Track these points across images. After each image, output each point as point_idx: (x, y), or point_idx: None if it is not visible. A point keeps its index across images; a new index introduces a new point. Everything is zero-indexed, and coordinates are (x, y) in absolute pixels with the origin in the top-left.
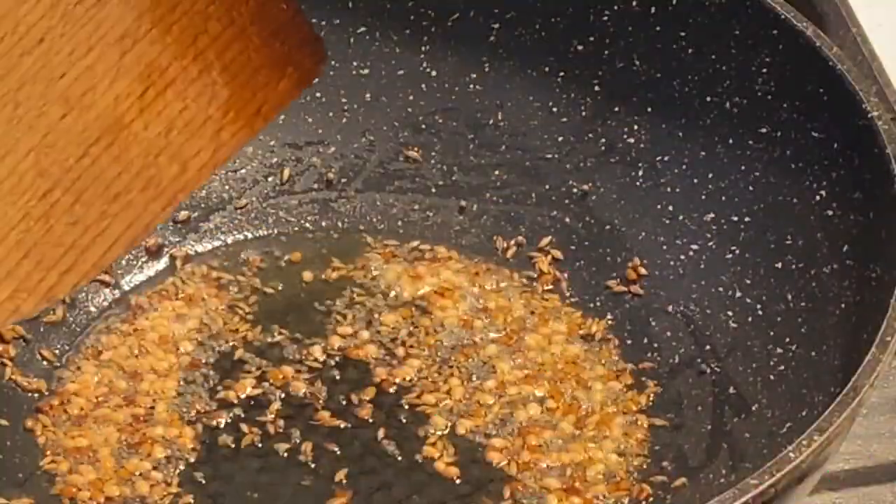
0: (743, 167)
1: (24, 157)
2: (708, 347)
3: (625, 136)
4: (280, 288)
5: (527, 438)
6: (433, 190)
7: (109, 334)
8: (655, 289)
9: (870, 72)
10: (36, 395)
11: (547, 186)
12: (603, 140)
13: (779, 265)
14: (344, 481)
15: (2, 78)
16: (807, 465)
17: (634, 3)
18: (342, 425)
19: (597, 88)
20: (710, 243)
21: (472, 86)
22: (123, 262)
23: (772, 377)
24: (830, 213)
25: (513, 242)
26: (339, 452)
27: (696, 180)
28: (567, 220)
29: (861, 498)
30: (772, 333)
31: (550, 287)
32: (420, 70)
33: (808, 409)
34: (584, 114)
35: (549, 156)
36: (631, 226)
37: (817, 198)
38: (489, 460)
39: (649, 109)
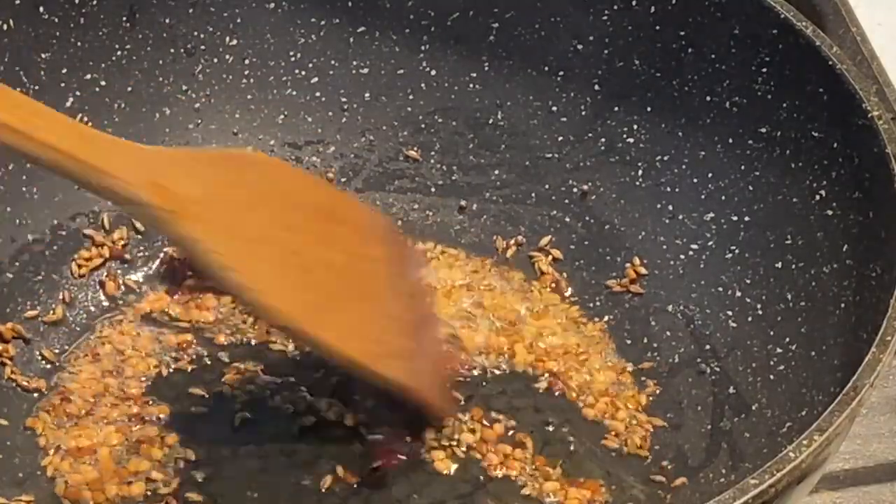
0: (743, 167)
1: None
2: (708, 347)
3: (625, 136)
4: None
5: (526, 439)
6: (433, 189)
7: (109, 334)
8: (655, 288)
9: (870, 71)
10: (36, 394)
11: (547, 186)
12: (603, 140)
13: (779, 265)
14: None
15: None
16: (807, 465)
17: (634, 3)
18: (342, 424)
19: (597, 88)
20: (710, 243)
21: (471, 85)
22: (124, 262)
23: (772, 377)
24: (830, 212)
25: (512, 242)
26: (338, 452)
27: (696, 180)
28: (567, 219)
29: (861, 497)
30: (772, 333)
31: (550, 286)
32: (420, 70)
33: (808, 408)
34: (584, 114)
35: (549, 155)
36: (631, 225)
37: (817, 198)
38: (489, 459)
39: (649, 109)
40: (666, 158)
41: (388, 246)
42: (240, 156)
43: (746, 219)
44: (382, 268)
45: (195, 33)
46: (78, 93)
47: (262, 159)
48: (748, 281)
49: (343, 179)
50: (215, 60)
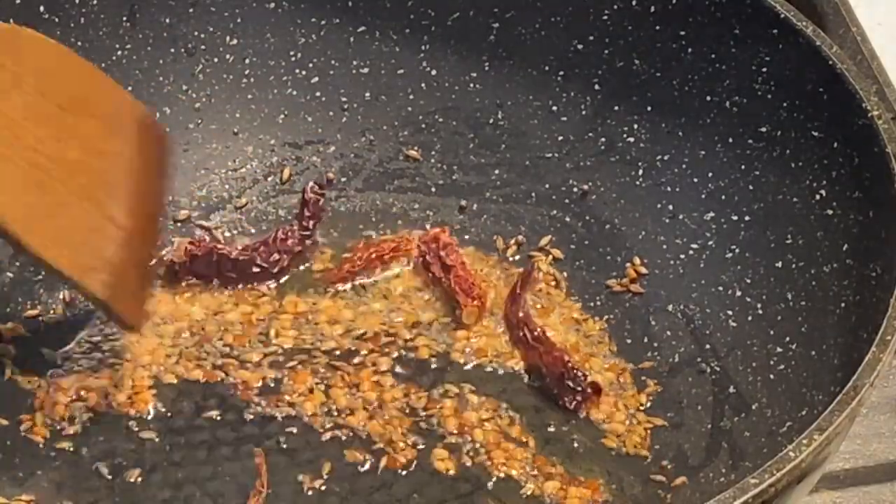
0: (743, 166)
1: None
2: (708, 346)
3: (625, 136)
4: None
5: (526, 439)
6: (433, 189)
7: (109, 332)
8: (655, 288)
9: (870, 71)
10: (35, 393)
11: (547, 185)
12: (603, 139)
13: (779, 265)
14: (344, 480)
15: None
16: (807, 465)
17: (634, 3)
18: (343, 425)
19: (597, 88)
20: (710, 242)
21: (472, 85)
22: None
23: (772, 376)
24: (830, 212)
25: (513, 241)
26: (338, 452)
27: (696, 180)
28: (567, 219)
29: (861, 497)
30: (772, 333)
31: (550, 286)
32: (420, 69)
33: (808, 408)
34: (584, 113)
35: (549, 155)
36: (631, 225)
37: (817, 197)
38: (490, 459)
39: (649, 109)
40: (666, 158)
41: (134, 141)
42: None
43: (746, 218)
44: (119, 165)
45: (195, 33)
46: None
47: (24, 35)
48: (748, 280)
49: (343, 179)
50: (215, 60)
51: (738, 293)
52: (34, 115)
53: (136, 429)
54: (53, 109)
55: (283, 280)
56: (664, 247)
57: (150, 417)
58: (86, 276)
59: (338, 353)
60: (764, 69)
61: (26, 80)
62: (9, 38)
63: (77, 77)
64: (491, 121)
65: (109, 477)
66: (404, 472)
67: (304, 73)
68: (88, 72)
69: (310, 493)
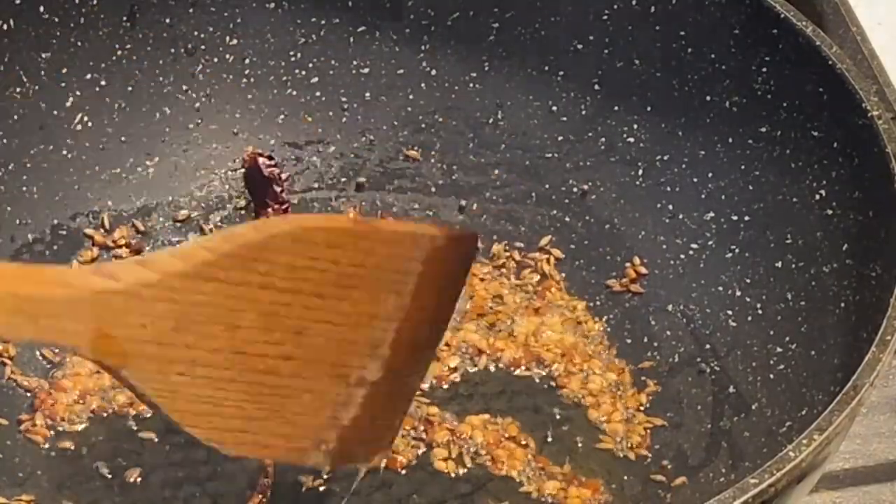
0: (743, 167)
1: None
2: (707, 346)
3: (625, 136)
4: None
5: (527, 439)
6: (433, 189)
7: None
8: (655, 288)
9: (869, 71)
10: (35, 393)
11: (547, 186)
12: (603, 139)
13: (779, 265)
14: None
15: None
16: (807, 465)
17: (634, 3)
18: None
19: (597, 88)
20: (710, 242)
21: (472, 85)
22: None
23: (771, 376)
24: (830, 212)
25: (513, 242)
26: None
27: (695, 180)
28: (567, 219)
29: (861, 497)
30: (771, 333)
31: (550, 286)
32: (420, 69)
33: (807, 408)
34: (584, 113)
35: (549, 155)
36: (630, 225)
37: (817, 197)
38: (490, 459)
39: (649, 109)
40: (666, 158)
41: (421, 276)
42: (238, 250)
43: (746, 218)
44: (391, 320)
45: (195, 33)
46: (78, 93)
47: (300, 231)
48: (748, 280)
49: (343, 179)
50: (215, 60)
51: (738, 293)
52: (269, 323)
53: (136, 429)
54: (304, 301)
55: None
56: (664, 247)
57: (150, 417)
58: (310, 457)
59: None
60: (764, 69)
61: (276, 280)
62: (287, 237)
63: (351, 248)
64: (491, 121)
65: (109, 477)
66: (404, 472)
67: (304, 73)
68: (370, 235)
69: (309, 493)
